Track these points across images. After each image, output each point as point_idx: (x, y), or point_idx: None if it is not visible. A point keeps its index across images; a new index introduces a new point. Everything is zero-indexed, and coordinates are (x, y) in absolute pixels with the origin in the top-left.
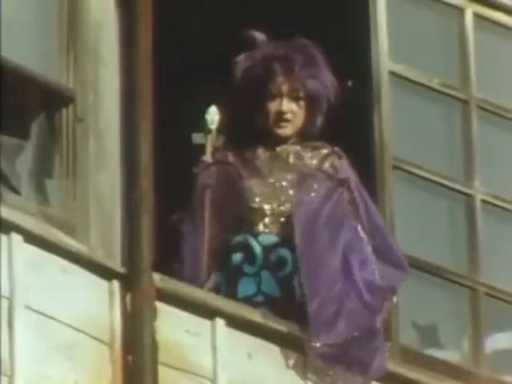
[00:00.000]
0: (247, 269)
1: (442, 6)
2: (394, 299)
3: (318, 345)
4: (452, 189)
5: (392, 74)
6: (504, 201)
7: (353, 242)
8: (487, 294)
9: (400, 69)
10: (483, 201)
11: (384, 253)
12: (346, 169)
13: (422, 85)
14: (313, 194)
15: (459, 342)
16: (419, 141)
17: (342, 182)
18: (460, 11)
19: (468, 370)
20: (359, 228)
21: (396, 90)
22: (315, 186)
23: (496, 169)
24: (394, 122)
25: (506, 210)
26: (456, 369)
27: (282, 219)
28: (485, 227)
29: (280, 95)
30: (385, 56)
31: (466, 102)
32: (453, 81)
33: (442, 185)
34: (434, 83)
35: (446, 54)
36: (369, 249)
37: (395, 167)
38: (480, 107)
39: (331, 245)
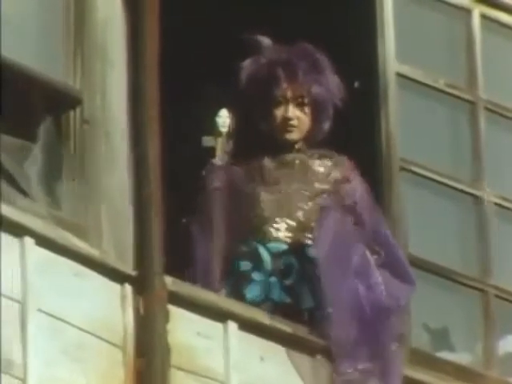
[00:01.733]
0: (256, 276)
1: (448, 7)
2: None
3: (349, 371)
4: (461, 190)
5: (399, 75)
6: None
7: (360, 266)
8: (498, 297)
9: (407, 70)
10: (493, 203)
11: (392, 267)
12: (355, 187)
13: (429, 86)
14: (331, 222)
15: (471, 344)
16: (426, 142)
17: (350, 208)
18: (467, 12)
19: (480, 372)
20: (366, 251)
21: (403, 92)
22: (333, 214)
23: (504, 170)
24: (401, 124)
25: None
26: (468, 371)
27: (290, 227)
28: (495, 229)
29: (285, 101)
30: (391, 57)
31: (472, 104)
32: (460, 82)
33: (450, 186)
34: (441, 84)
35: (452, 56)
36: (376, 272)
37: (402, 169)
38: (487, 108)
39: (347, 269)
